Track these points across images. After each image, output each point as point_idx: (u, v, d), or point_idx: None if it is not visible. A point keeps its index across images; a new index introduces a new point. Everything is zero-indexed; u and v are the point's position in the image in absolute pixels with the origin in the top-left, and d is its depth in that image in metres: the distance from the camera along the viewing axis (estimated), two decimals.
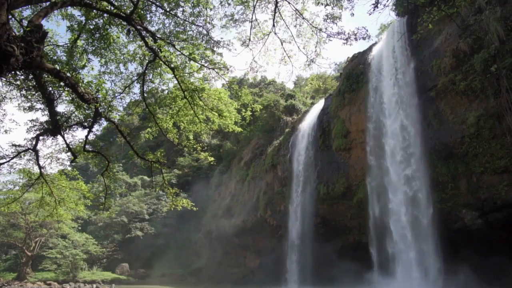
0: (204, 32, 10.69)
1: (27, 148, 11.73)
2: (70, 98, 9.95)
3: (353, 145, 23.92)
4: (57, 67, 8.68)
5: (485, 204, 16.35)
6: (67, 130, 10.94)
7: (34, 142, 11.35)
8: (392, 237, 19.72)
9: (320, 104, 30.94)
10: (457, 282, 16.19)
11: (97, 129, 12.59)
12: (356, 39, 9.37)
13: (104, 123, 11.57)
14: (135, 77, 11.73)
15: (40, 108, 10.67)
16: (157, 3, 10.03)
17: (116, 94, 11.60)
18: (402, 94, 20.67)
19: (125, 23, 9.66)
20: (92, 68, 10.53)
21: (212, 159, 14.55)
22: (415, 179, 19.15)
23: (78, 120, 10.91)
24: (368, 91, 23.10)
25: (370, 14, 8.34)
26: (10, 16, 6.17)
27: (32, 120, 10.86)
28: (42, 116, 11.98)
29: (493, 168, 15.69)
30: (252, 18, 10.12)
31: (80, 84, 8.62)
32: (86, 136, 11.11)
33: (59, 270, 43.36)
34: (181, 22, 10.52)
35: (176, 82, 10.93)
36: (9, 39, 5.68)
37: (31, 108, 10.73)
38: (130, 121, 62.78)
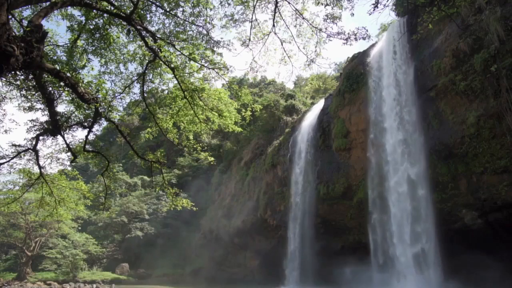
0: (204, 32, 10.70)
1: (27, 148, 11.73)
2: (70, 98, 9.94)
3: (353, 145, 23.92)
4: (57, 67, 8.67)
5: (485, 204, 16.36)
6: (67, 130, 10.94)
7: (34, 142, 11.35)
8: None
9: (320, 104, 30.93)
10: (457, 282, 16.19)
11: (97, 129, 12.57)
12: (356, 39, 9.37)
13: (104, 123, 11.55)
14: (135, 77, 11.73)
15: (40, 108, 10.66)
16: (157, 3, 10.03)
17: (116, 94, 11.60)
18: (402, 94, 20.67)
19: (125, 23, 9.66)
20: (92, 68, 10.53)
21: (212, 159, 14.55)
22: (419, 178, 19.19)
23: (78, 120, 10.91)
24: (368, 91, 23.10)
25: (370, 14, 8.34)
26: (10, 16, 6.17)
27: (32, 120, 10.86)
28: (42, 116, 12.00)
29: (493, 168, 15.69)
30: (252, 18, 10.13)
31: (80, 84, 8.61)
32: (86, 136, 11.11)
33: (59, 270, 43.36)
34: (181, 22, 10.52)
35: (176, 82, 10.93)
36: (9, 39, 5.68)
37: (31, 108, 10.72)
38: (130, 121, 62.76)
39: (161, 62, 10.32)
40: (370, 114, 22.66)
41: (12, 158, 12.05)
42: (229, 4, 9.90)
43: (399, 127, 20.53)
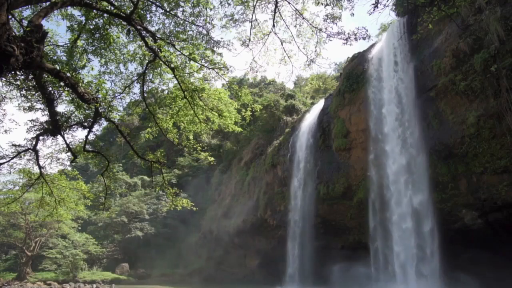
0: (204, 32, 10.71)
1: (27, 148, 11.74)
2: (70, 98, 9.94)
3: (353, 145, 23.91)
4: (57, 67, 8.68)
5: (485, 204, 16.35)
6: (67, 130, 10.94)
7: (34, 142, 11.36)
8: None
9: (320, 104, 30.93)
10: (457, 282, 16.19)
11: (97, 129, 12.58)
12: (356, 39, 9.37)
13: (104, 123, 11.56)
14: (135, 77, 11.74)
15: (40, 108, 10.67)
16: (157, 3, 10.03)
17: (116, 94, 11.60)
18: (402, 94, 20.66)
19: (125, 23, 9.66)
20: (92, 68, 10.53)
21: (212, 159, 14.56)
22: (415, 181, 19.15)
23: (78, 120, 10.91)
24: (368, 91, 23.10)
25: (370, 14, 8.34)
26: (10, 16, 6.17)
27: (32, 120, 10.87)
28: (42, 116, 11.99)
29: (493, 168, 15.68)
30: (252, 18, 10.13)
31: (80, 84, 8.61)
32: (86, 136, 11.11)
33: (59, 270, 43.37)
34: (181, 22, 10.53)
35: (176, 82, 10.93)
36: (9, 39, 5.68)
37: (31, 108, 10.72)
38: (130, 121, 62.74)
39: (161, 62, 10.32)
40: (371, 129, 22.34)
41: (12, 158, 12.06)
42: (229, 4, 9.91)
43: (402, 151, 19.92)
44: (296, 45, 10.33)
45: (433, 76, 18.54)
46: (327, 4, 9.20)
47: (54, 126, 10.20)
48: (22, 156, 12.40)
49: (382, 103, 21.98)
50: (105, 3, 9.05)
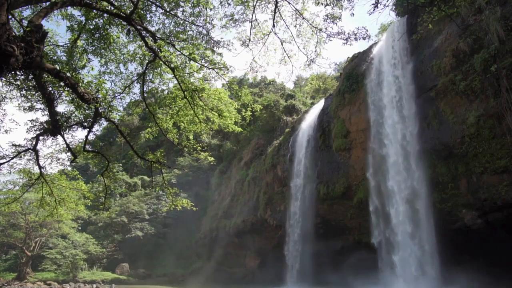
0: (204, 32, 10.72)
1: (27, 148, 11.75)
2: (70, 98, 9.95)
3: (353, 145, 23.90)
4: (57, 67, 8.68)
5: (485, 204, 16.35)
6: (67, 130, 10.95)
7: (34, 142, 11.37)
8: None
9: (320, 104, 30.94)
10: (457, 282, 16.19)
11: (97, 129, 12.63)
12: (356, 39, 9.38)
13: (104, 123, 11.58)
14: (135, 77, 11.75)
15: (40, 108, 10.69)
16: (157, 3, 10.04)
17: (116, 94, 11.62)
18: (402, 94, 20.65)
19: (125, 23, 9.67)
20: (92, 68, 10.55)
21: (212, 159, 14.54)
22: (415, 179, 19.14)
23: (78, 120, 10.92)
24: (368, 91, 23.09)
25: (370, 14, 8.34)
26: (10, 16, 6.17)
27: (32, 120, 10.88)
28: (42, 116, 12.05)
29: (493, 168, 15.68)
30: (252, 18, 10.14)
31: (80, 84, 8.62)
32: (86, 136, 11.12)
33: (59, 270, 43.35)
34: (181, 22, 10.54)
35: (176, 82, 10.94)
36: (9, 39, 5.68)
37: (31, 108, 10.74)
38: (130, 121, 62.68)
39: (161, 62, 10.33)
40: (371, 129, 22.24)
41: (12, 158, 12.06)
42: (229, 4, 9.92)
43: (402, 151, 19.73)
44: (296, 45, 10.35)
45: (433, 76, 18.54)
46: (327, 4, 9.20)
47: (54, 126, 10.20)
48: (22, 156, 12.41)
49: (382, 103, 21.97)
50: (105, 3, 9.06)
